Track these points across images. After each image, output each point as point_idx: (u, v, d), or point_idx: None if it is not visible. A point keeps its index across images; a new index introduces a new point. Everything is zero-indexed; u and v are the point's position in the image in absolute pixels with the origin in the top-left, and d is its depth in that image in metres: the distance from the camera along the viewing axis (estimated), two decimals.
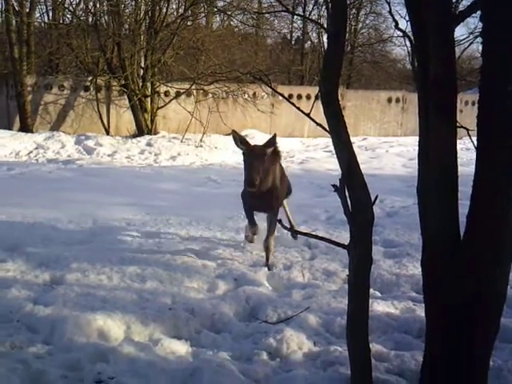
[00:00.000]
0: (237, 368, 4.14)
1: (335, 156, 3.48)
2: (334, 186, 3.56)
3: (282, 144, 16.86)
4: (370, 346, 3.81)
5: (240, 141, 5.79)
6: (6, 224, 7.70)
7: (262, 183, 5.70)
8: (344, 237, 5.14)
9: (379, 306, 5.21)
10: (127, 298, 5.28)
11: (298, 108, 3.46)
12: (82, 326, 4.59)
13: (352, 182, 3.45)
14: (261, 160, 5.65)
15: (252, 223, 6.34)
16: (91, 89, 18.19)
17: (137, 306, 5.06)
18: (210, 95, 18.54)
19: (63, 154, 14.85)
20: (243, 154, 5.75)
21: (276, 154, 6.04)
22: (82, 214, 8.23)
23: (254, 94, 19.67)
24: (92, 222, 7.94)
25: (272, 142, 5.84)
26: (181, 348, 4.45)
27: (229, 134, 17.73)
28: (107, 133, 18.19)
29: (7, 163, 12.59)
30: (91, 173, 12.01)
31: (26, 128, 16.88)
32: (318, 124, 3.47)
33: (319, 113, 3.27)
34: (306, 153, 16.39)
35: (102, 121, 18.12)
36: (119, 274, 5.88)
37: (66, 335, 4.51)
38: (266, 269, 6.25)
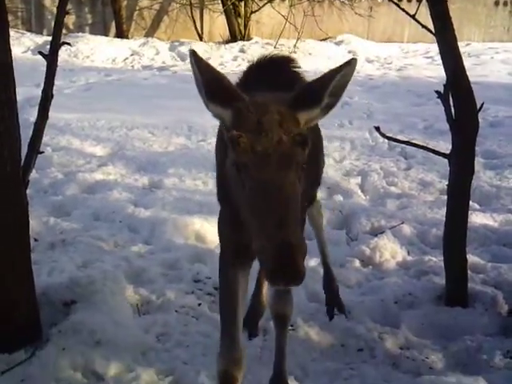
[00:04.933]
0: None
1: (436, 63, 3.29)
2: (437, 92, 3.40)
3: (380, 50, 16.20)
4: (467, 257, 3.76)
5: (211, 85, 2.11)
6: (105, 128, 7.93)
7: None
8: (442, 147, 4.96)
9: (477, 218, 5.07)
10: None
11: (403, 9, 3.26)
12: (180, 228, 4.76)
13: (457, 88, 3.29)
14: (295, 168, 2.00)
15: (233, 337, 2.64)
16: None
17: None
18: None
19: (158, 61, 14.95)
20: (232, 143, 1.99)
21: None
22: (177, 120, 8.35)
23: None
24: (187, 129, 8.05)
25: (322, 85, 2.12)
26: None
27: (324, 40, 17.29)
28: (200, 39, 18.10)
29: (104, 69, 12.82)
30: (185, 79, 12.00)
31: (121, 34, 17.02)
32: (423, 26, 3.28)
33: (421, 16, 3.07)
34: (405, 59, 15.68)
35: (195, 26, 17.99)
36: (214, 180, 5.98)
37: (166, 236, 4.70)
38: (360, 178, 6.15)
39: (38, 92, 3.57)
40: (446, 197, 3.78)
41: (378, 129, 3.54)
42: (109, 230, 4.85)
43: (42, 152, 3.59)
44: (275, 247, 1.77)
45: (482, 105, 3.49)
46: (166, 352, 3.30)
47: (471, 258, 4.03)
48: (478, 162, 6.62)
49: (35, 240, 4.41)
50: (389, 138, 3.73)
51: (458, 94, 3.29)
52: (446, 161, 3.61)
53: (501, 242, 4.75)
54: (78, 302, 3.49)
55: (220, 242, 2.73)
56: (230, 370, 2.57)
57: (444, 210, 3.90)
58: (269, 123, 1.97)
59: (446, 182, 3.65)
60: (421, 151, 6.62)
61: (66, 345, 3.14)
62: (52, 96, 3.47)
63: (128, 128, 7.96)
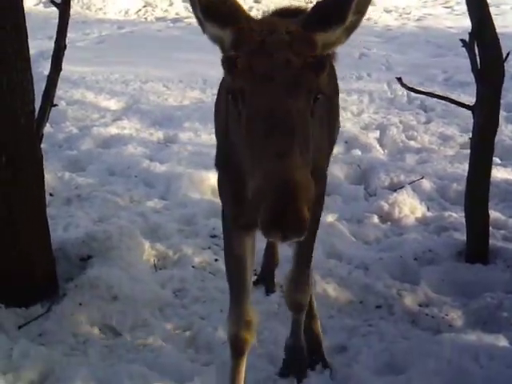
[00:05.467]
0: (347, 229, 4.14)
1: (456, 13, 3.15)
2: (462, 40, 3.27)
3: (398, 0, 15.83)
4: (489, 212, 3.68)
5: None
6: (120, 82, 7.84)
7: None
8: (463, 100, 4.83)
9: (498, 173, 4.95)
10: None
11: None
12: (196, 183, 4.71)
13: (483, 37, 3.16)
14: (306, 97, 1.69)
15: (241, 301, 2.53)
16: None
17: None
18: None
19: (171, 12, 14.69)
20: (228, 65, 1.71)
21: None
22: (192, 73, 8.21)
23: None
24: (202, 82, 7.92)
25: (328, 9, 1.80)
26: None
27: None
28: None
29: (117, 21, 12.63)
30: (200, 31, 11.79)
31: None
32: None
33: None
34: (424, 9, 15.25)
35: None
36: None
37: (181, 191, 4.65)
38: (378, 132, 6.03)
39: (51, 45, 3.49)
40: (466, 151, 3.70)
41: (400, 79, 3.43)
42: (124, 185, 4.81)
43: (56, 105, 3.54)
44: (272, 184, 1.50)
45: (508, 54, 3.37)
46: (183, 308, 3.30)
47: (492, 214, 3.95)
48: (501, 114, 6.43)
49: (50, 195, 4.39)
50: (411, 90, 3.61)
51: (484, 43, 3.16)
52: (467, 114, 3.50)
53: None
54: (94, 257, 3.48)
55: (222, 204, 2.49)
56: (240, 334, 2.47)
57: (465, 165, 3.81)
58: (275, 43, 1.69)
59: (467, 136, 3.56)
60: (441, 104, 6.49)
61: (82, 300, 3.15)
62: (65, 46, 3.40)
63: (142, 81, 7.86)
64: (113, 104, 6.97)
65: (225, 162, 2.26)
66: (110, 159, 5.26)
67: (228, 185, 2.29)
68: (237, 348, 2.50)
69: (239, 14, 1.81)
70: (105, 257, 3.48)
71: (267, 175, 1.52)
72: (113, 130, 5.94)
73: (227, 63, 1.69)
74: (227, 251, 2.49)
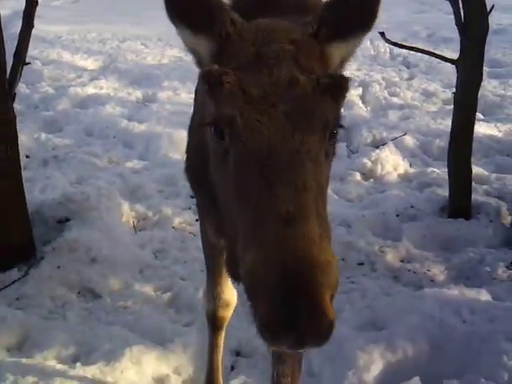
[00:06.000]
0: (330, 187, 4.09)
1: None
2: None
3: None
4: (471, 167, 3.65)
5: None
6: (96, 41, 7.66)
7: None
8: (446, 55, 4.76)
9: (481, 128, 4.91)
10: None
11: None
12: (175, 142, 4.62)
13: None
14: (321, 132, 1.22)
15: (216, 280, 2.26)
16: None
17: None
18: None
19: None
20: (211, 85, 1.23)
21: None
22: (171, 31, 8.02)
23: None
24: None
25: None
26: None
27: None
28: None
29: None
30: None
31: None
32: None
33: None
34: None
35: None
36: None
37: (161, 151, 4.57)
38: (361, 89, 5.95)
39: None
40: (449, 107, 3.64)
41: (382, 34, 3.34)
42: (102, 145, 4.72)
43: (29, 63, 3.41)
44: (277, 264, 1.00)
45: (493, 7, 3.29)
46: (164, 268, 3.25)
47: (475, 169, 3.92)
48: (484, 70, 6.39)
49: (27, 157, 4.30)
50: (394, 44, 3.53)
51: None
52: (450, 70, 3.44)
53: (505, 153, 4.64)
54: (72, 220, 3.41)
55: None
56: (216, 311, 2.27)
57: (448, 121, 3.76)
58: (275, 55, 1.23)
59: (450, 92, 3.50)
60: (424, 60, 6.42)
61: (60, 263, 3.08)
62: (37, 3, 3.26)
63: (120, 40, 7.69)
64: (90, 63, 6.83)
65: (197, 181, 1.80)
66: (88, 119, 5.15)
67: (200, 198, 1.91)
68: (214, 324, 2.34)
69: (222, 16, 1.32)
70: (83, 219, 3.40)
71: (269, 250, 1.03)
72: (90, 90, 5.82)
73: (209, 81, 1.22)
74: (202, 235, 2.19)
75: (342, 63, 1.35)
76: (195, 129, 1.81)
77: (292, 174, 1.11)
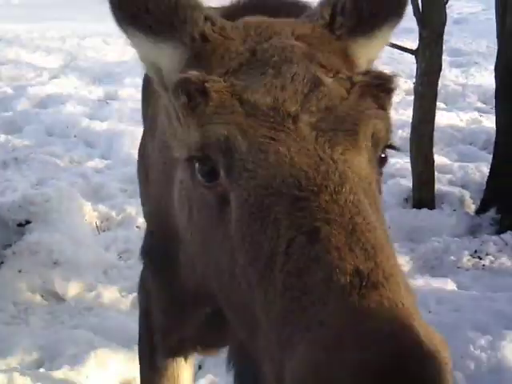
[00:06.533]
0: None
1: None
2: None
3: None
4: (434, 157, 3.67)
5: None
6: (56, 38, 7.54)
7: None
8: (407, 46, 4.79)
9: (443, 118, 4.96)
10: None
11: None
12: (138, 140, 4.53)
13: None
14: (369, 148, 0.92)
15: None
16: None
17: None
18: None
19: None
20: (186, 110, 0.92)
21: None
22: None
23: None
24: None
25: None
26: None
27: None
28: None
29: None
30: None
31: None
32: None
33: None
34: None
35: None
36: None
37: (124, 150, 4.51)
38: None
39: None
40: (411, 97, 3.65)
41: None
42: (63, 145, 4.64)
43: None
44: (359, 364, 0.66)
45: None
46: (129, 269, 3.20)
47: (438, 159, 3.96)
48: (444, 60, 6.43)
49: None
50: None
51: None
52: (411, 60, 3.45)
53: (467, 141, 4.69)
54: (33, 222, 3.33)
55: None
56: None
57: (410, 111, 3.77)
58: (280, 52, 0.94)
59: (412, 82, 3.51)
60: (385, 51, 6.44)
61: (21, 266, 3.02)
62: None
63: (80, 37, 7.58)
64: (49, 62, 6.72)
65: (159, 254, 1.38)
66: (48, 119, 5.06)
67: (160, 288, 1.45)
68: None
69: (193, 13, 1.02)
70: (44, 221, 3.33)
71: (341, 341, 0.67)
72: (50, 89, 5.72)
73: (188, 92, 0.89)
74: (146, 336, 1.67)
75: (369, 62, 1.06)
76: (156, 170, 1.27)
77: (345, 209, 0.77)
